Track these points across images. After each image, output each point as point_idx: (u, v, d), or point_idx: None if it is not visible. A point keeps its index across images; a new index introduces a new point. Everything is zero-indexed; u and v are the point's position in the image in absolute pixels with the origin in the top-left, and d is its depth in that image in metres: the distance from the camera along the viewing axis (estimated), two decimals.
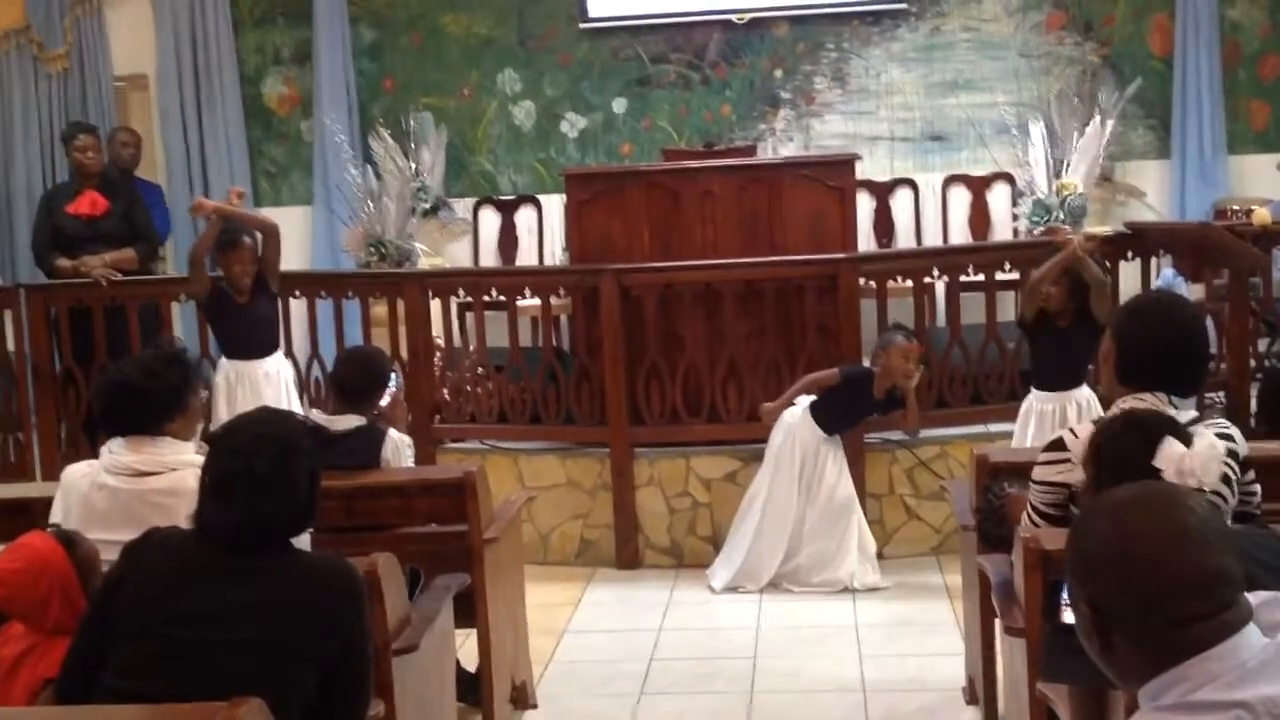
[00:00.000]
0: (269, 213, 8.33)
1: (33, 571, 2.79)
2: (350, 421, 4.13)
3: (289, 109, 8.44)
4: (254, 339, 5.95)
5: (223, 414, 5.82)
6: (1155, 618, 1.59)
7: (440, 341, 6.40)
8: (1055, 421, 4.94)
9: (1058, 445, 3.03)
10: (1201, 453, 2.50)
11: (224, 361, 5.97)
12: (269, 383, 5.89)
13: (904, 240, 7.96)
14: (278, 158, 8.47)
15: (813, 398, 5.48)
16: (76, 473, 3.36)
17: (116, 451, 3.29)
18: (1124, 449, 2.56)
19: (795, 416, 5.47)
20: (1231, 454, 2.80)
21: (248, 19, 8.38)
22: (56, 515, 3.31)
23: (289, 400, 5.93)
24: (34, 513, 3.52)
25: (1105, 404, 3.14)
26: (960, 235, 7.94)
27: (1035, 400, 5.14)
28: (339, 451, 3.99)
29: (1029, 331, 5.20)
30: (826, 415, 5.45)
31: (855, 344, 5.74)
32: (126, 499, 3.23)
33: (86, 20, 8.30)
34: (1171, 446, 2.50)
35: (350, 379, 4.27)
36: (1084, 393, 5.08)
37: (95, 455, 3.42)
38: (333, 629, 2.51)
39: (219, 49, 8.26)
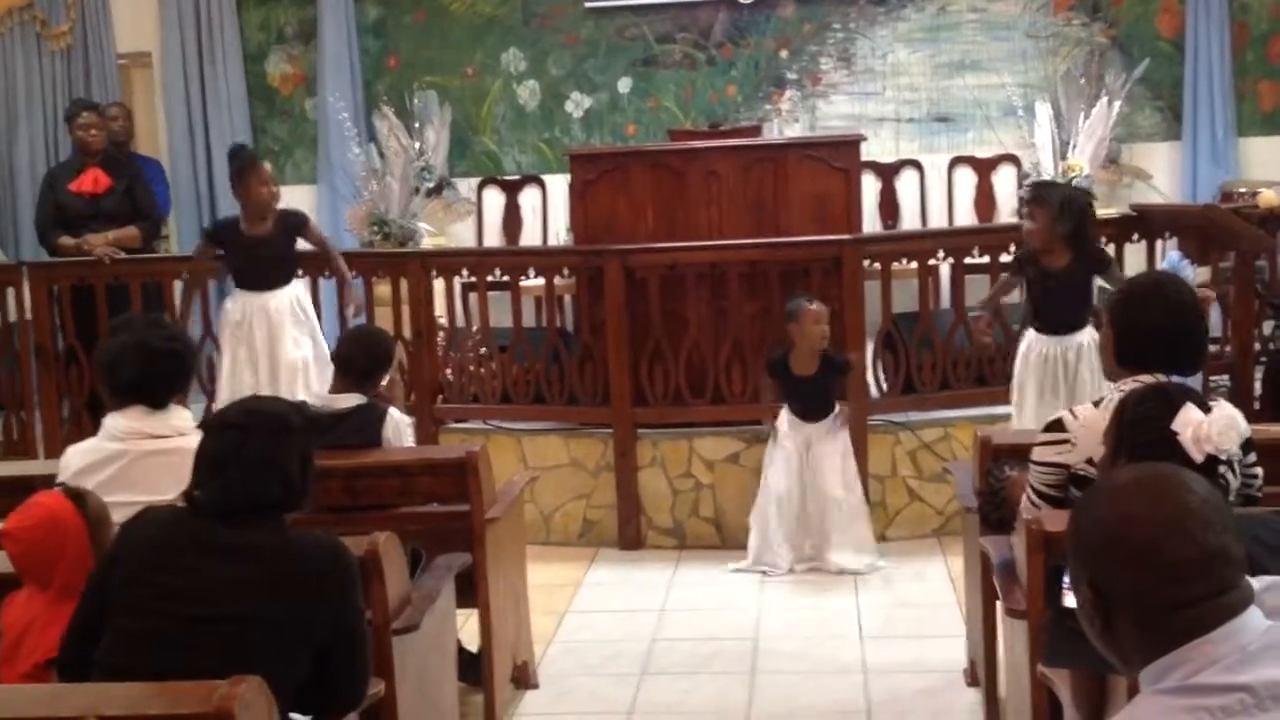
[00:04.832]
0: None
1: (45, 527, 2.81)
2: (351, 400, 4.12)
3: (292, 87, 8.42)
4: (262, 270, 5.90)
5: (225, 346, 5.96)
6: (1156, 599, 1.58)
7: (443, 321, 6.39)
8: (1052, 366, 4.89)
9: (1057, 426, 3.05)
10: (1218, 420, 2.50)
11: (236, 292, 6.01)
12: (273, 316, 5.86)
13: (909, 222, 7.93)
14: (281, 136, 8.46)
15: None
16: (77, 449, 3.44)
17: (121, 419, 3.37)
18: (1145, 413, 2.56)
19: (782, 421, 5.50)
20: None
21: None
22: None
23: (297, 334, 5.90)
24: (37, 490, 3.52)
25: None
26: (965, 217, 7.92)
27: (1035, 341, 5.01)
28: (340, 430, 4.00)
29: (1020, 274, 5.08)
30: (794, 406, 5.46)
31: (859, 326, 5.73)
32: (132, 461, 3.31)
33: None
34: (1190, 412, 2.50)
35: (354, 359, 4.26)
36: (1086, 336, 4.93)
37: (97, 432, 3.47)
38: (324, 605, 2.53)
39: (222, 27, 8.24)
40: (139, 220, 6.85)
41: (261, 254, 5.87)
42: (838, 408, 5.50)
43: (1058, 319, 4.94)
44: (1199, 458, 2.47)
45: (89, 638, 2.51)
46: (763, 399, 5.59)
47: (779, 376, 5.48)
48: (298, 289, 6.04)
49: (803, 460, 5.43)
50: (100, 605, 2.52)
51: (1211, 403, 2.65)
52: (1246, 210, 5.87)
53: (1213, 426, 2.50)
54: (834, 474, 5.42)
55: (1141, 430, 2.54)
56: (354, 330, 4.95)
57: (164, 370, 3.40)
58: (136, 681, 2.33)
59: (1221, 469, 2.57)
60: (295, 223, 5.97)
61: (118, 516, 3.00)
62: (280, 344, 5.82)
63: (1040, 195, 4.86)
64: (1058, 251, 4.87)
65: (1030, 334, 5.07)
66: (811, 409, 5.45)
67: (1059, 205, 4.80)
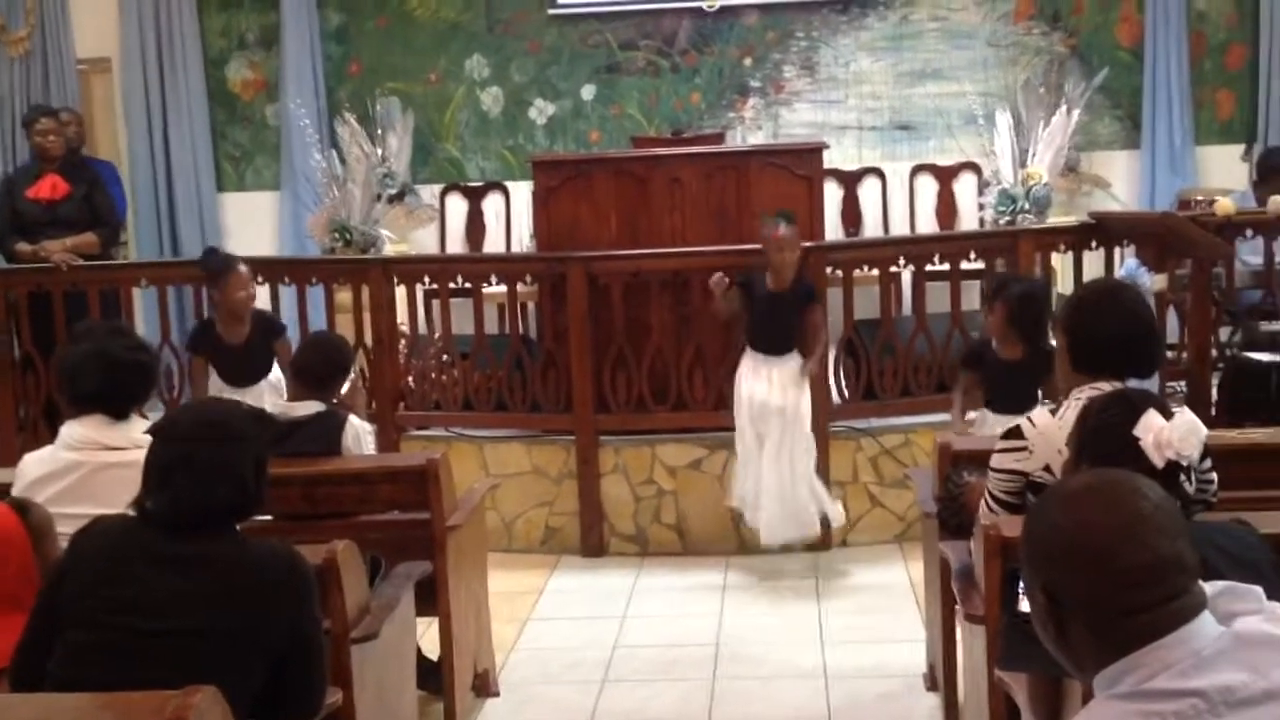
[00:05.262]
0: (234, 198, 8.34)
1: None
2: (310, 407, 4.10)
3: (253, 93, 8.38)
4: (242, 372, 5.75)
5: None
6: (1110, 605, 1.59)
7: (405, 328, 6.36)
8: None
9: (1015, 434, 3.08)
10: (1180, 426, 2.51)
11: (214, 380, 5.79)
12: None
13: (871, 229, 7.97)
14: (242, 142, 8.41)
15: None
16: (33, 458, 3.41)
17: (78, 428, 3.33)
18: (1107, 419, 2.57)
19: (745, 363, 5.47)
20: None
21: (212, 2, 8.30)
22: None
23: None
24: None
25: (1064, 397, 3.16)
26: (927, 224, 7.96)
27: (990, 421, 4.81)
28: (299, 438, 3.97)
29: (976, 369, 4.97)
30: (755, 336, 5.41)
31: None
32: (88, 473, 3.27)
33: (50, 3, 8.20)
34: (1152, 417, 2.52)
35: (312, 365, 4.24)
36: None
37: (54, 440, 3.43)
38: (281, 619, 2.49)
39: (183, 32, 8.19)
40: (97, 227, 6.79)
41: (240, 359, 5.76)
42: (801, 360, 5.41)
43: (1010, 409, 4.85)
44: (1160, 463, 2.48)
45: (40, 649, 2.47)
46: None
47: (746, 290, 5.39)
48: (275, 376, 5.83)
49: (765, 401, 5.36)
50: (52, 617, 2.48)
51: (1174, 409, 2.67)
52: (1204, 218, 5.92)
53: (1174, 432, 2.51)
54: (794, 423, 5.37)
55: (1104, 436, 2.55)
56: (312, 337, 4.93)
57: (126, 381, 3.36)
58: (93, 693, 2.29)
59: (1180, 475, 2.59)
60: (273, 330, 5.83)
61: (73, 528, 2.97)
62: None
63: (1000, 290, 4.80)
64: (1011, 344, 4.79)
65: (986, 413, 4.96)
66: (771, 335, 5.36)
67: (1016, 303, 4.71)
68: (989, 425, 4.88)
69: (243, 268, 5.75)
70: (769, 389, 5.40)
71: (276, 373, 5.80)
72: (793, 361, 5.41)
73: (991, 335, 4.89)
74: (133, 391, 3.38)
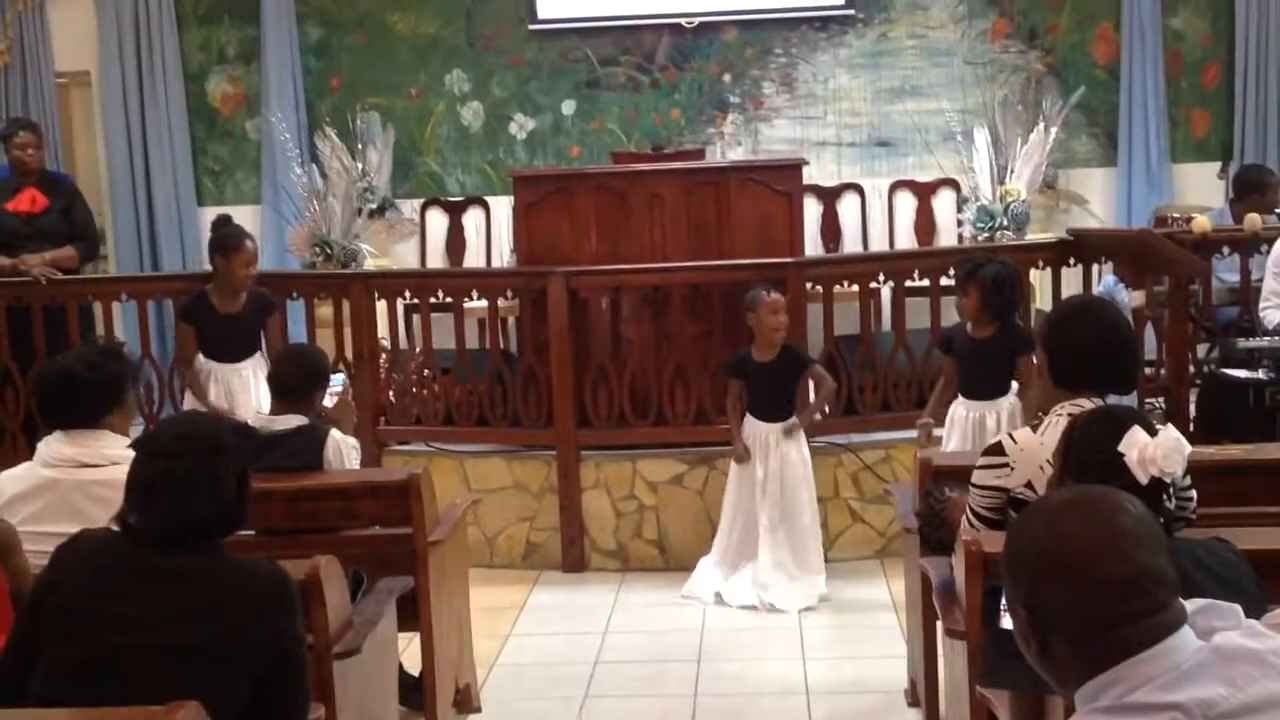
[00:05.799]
0: (214, 212, 8.29)
1: None
2: (291, 421, 4.08)
3: (233, 108, 8.37)
4: (232, 344, 5.91)
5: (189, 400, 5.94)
6: (1091, 619, 1.60)
7: (386, 343, 6.36)
8: (972, 428, 4.94)
9: (996, 450, 3.09)
10: (1164, 443, 2.53)
11: (200, 359, 5.92)
12: (243, 385, 5.87)
13: (850, 245, 7.99)
14: (222, 156, 8.40)
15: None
16: (10, 475, 3.39)
17: (55, 445, 3.33)
18: (1092, 435, 2.59)
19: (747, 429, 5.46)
20: None
21: (192, 16, 8.29)
22: None
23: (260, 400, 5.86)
24: None
25: (1045, 414, 3.18)
26: (906, 240, 7.99)
27: (959, 405, 5.04)
28: (280, 452, 3.96)
29: (950, 352, 5.15)
30: (753, 402, 5.42)
31: (801, 348, 5.75)
32: (66, 491, 3.26)
33: (28, 16, 8.18)
34: (1137, 434, 2.53)
35: (288, 377, 4.21)
36: (1006, 402, 4.97)
37: (33, 455, 3.42)
38: (264, 634, 2.48)
39: (162, 46, 8.17)
40: (76, 241, 6.76)
41: (232, 328, 5.89)
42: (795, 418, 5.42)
43: (977, 387, 4.97)
44: (1144, 480, 2.50)
45: (22, 664, 2.46)
46: (729, 413, 5.47)
47: (740, 372, 5.40)
48: (263, 352, 5.99)
49: (764, 469, 5.35)
50: (35, 631, 2.47)
51: (1158, 426, 2.69)
52: (1180, 235, 5.97)
53: (1159, 449, 2.53)
54: (795, 487, 5.37)
55: (1089, 451, 2.57)
56: (289, 349, 4.92)
57: (75, 395, 3.34)
58: (75, 709, 2.28)
59: (1163, 493, 2.60)
60: (266, 306, 5.99)
61: (52, 546, 2.95)
62: (244, 409, 5.73)
63: (972, 274, 4.93)
64: (984, 325, 4.94)
65: (955, 406, 5.07)
66: (769, 404, 5.37)
67: (990, 284, 4.87)
68: (958, 414, 4.96)
69: (250, 244, 5.91)
70: (770, 450, 5.37)
71: (259, 357, 5.94)
72: (789, 427, 5.40)
73: (965, 318, 5.00)
74: (76, 406, 3.35)
